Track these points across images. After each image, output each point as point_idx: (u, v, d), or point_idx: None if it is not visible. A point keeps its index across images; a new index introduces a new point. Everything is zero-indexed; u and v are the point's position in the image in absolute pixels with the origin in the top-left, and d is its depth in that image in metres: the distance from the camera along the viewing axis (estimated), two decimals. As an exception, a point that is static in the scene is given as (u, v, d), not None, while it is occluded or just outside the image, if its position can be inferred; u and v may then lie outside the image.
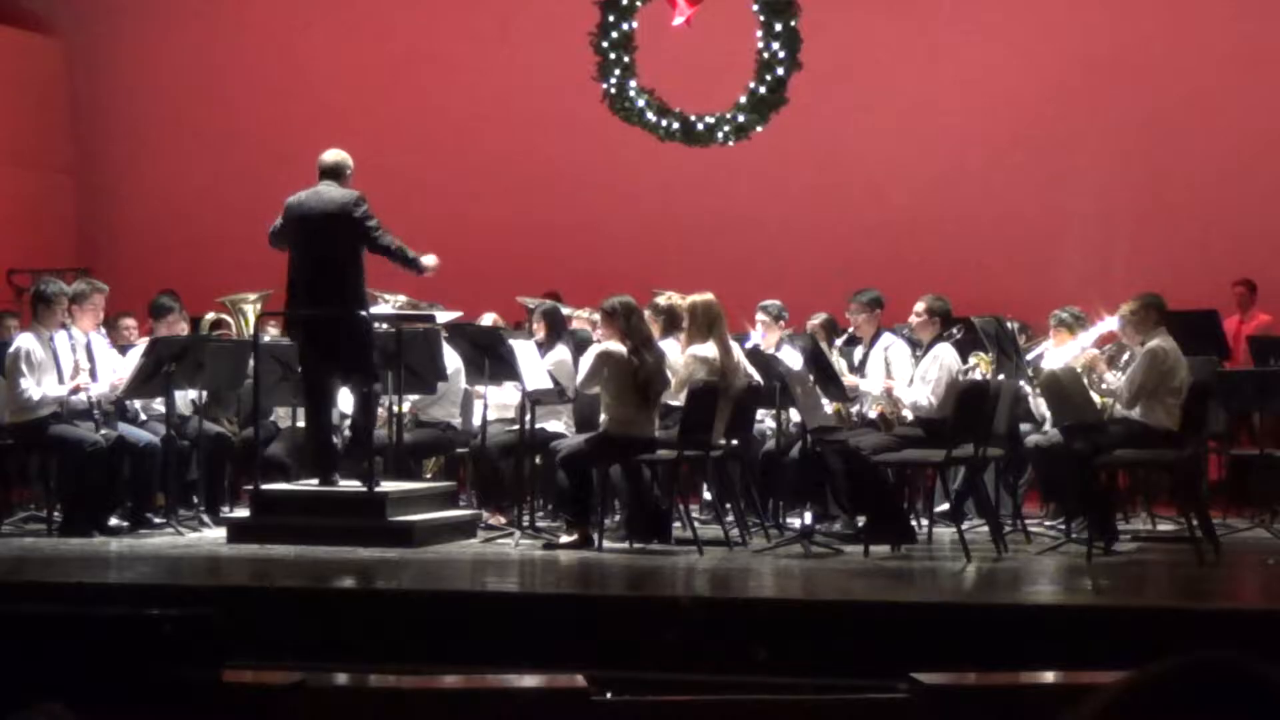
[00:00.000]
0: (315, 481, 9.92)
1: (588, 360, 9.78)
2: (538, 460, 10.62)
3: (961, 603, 8.10)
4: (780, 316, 11.05)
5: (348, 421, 10.36)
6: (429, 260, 9.88)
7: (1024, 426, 10.46)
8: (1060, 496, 10.38)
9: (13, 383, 9.99)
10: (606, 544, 9.56)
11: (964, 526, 9.67)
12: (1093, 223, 13.87)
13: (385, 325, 10.11)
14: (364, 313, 9.68)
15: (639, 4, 12.96)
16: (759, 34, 12.84)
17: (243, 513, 10.20)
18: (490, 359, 10.11)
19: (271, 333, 11.48)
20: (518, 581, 8.83)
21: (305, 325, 9.81)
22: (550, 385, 10.22)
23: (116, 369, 10.33)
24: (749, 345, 10.63)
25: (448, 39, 15.06)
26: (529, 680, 5.69)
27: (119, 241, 15.44)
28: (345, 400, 10.26)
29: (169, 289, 11.54)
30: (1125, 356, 9.98)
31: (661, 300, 10.33)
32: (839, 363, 10.40)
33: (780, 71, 12.78)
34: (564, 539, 9.64)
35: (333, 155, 9.94)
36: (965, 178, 14.08)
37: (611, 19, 12.98)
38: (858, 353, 10.53)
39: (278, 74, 15.33)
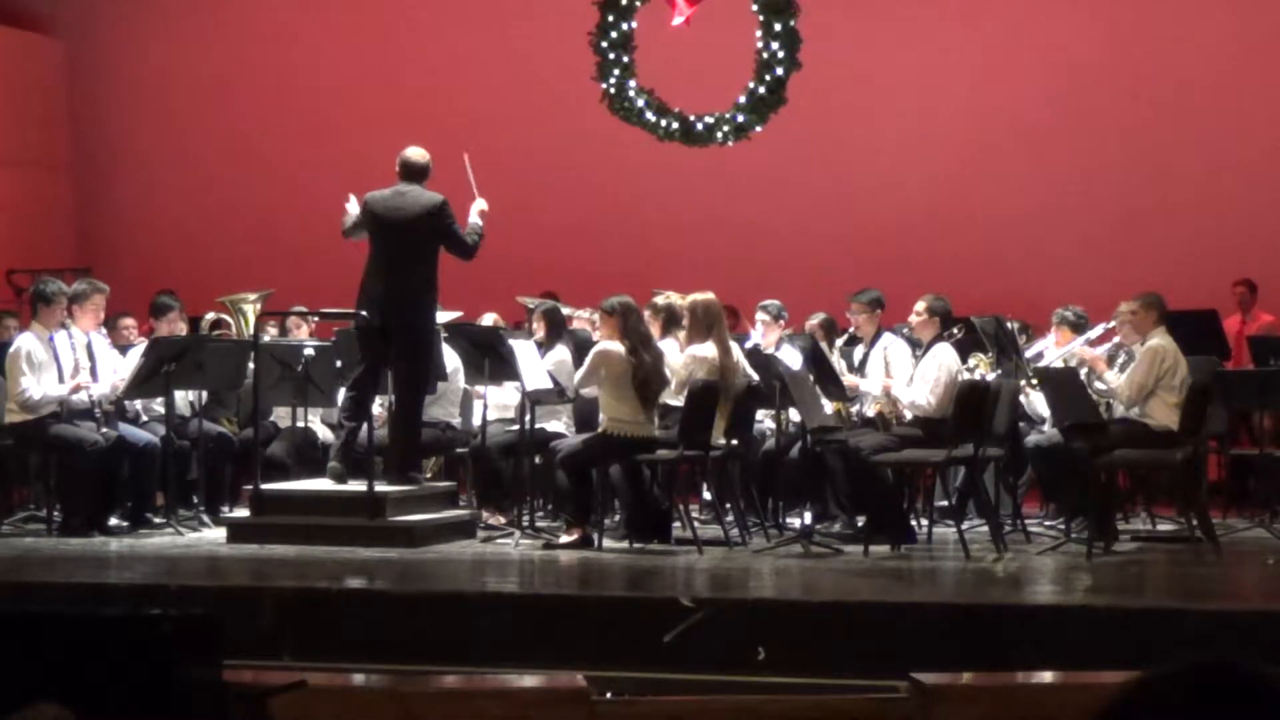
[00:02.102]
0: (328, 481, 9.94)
1: (587, 361, 9.78)
2: (538, 460, 10.61)
3: (961, 603, 8.09)
4: (780, 316, 11.05)
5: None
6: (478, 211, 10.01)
7: (1024, 426, 10.46)
8: (1060, 496, 10.38)
9: (13, 382, 9.98)
10: (606, 544, 9.56)
11: (964, 526, 9.67)
12: (1093, 223, 13.86)
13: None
14: (364, 314, 9.66)
15: (638, 4, 12.94)
16: (758, 34, 12.81)
17: (243, 513, 10.21)
18: (490, 359, 10.11)
19: (271, 333, 11.48)
20: (518, 581, 8.82)
21: (379, 325, 9.68)
22: (550, 385, 10.21)
23: (117, 369, 10.33)
24: (749, 345, 10.63)
25: (446, 39, 15.05)
26: (529, 680, 5.70)
27: (119, 241, 15.43)
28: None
29: (169, 289, 11.55)
30: (1123, 356, 9.98)
31: (661, 300, 10.33)
32: (839, 363, 10.40)
33: (780, 71, 12.75)
34: (564, 539, 9.64)
35: (420, 156, 9.88)
36: (965, 177, 14.07)
37: (611, 19, 12.95)
38: (858, 353, 10.53)
39: (277, 74, 15.33)
